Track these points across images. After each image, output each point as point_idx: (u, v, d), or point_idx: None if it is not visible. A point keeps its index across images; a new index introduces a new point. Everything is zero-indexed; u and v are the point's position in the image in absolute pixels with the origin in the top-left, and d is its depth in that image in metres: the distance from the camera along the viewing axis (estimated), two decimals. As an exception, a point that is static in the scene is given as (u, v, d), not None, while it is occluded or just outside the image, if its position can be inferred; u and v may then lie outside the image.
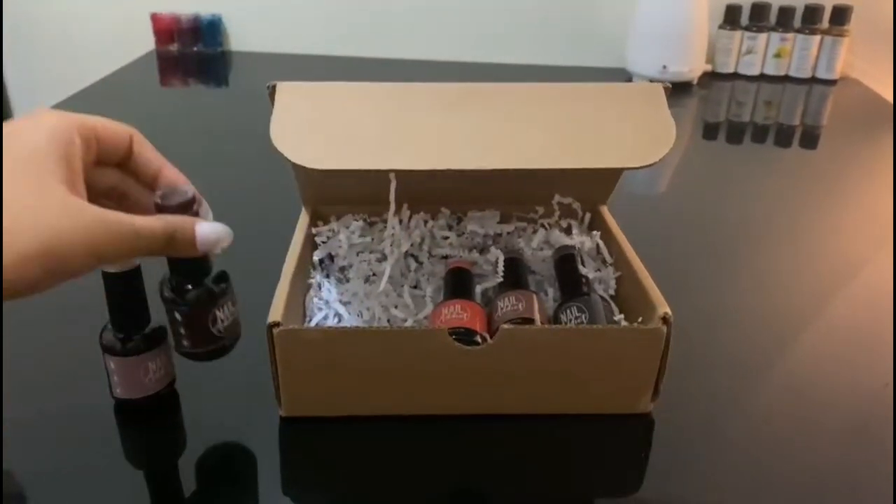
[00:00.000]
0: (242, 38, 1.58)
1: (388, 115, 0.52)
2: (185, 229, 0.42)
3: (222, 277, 0.51)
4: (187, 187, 0.47)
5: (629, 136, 0.52)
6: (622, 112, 0.53)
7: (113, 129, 0.43)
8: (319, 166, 0.48)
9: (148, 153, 0.46)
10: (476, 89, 0.54)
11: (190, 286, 0.49)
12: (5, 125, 0.39)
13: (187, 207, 0.46)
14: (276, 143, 0.48)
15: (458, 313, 0.54)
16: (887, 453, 0.54)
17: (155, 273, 0.53)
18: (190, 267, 0.49)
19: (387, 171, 0.55)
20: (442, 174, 0.49)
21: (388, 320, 0.58)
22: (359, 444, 0.54)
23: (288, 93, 0.52)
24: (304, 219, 0.64)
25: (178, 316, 0.50)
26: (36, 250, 0.35)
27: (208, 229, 0.43)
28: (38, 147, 0.38)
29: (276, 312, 0.50)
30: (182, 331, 0.50)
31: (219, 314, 0.50)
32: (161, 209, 0.45)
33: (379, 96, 0.53)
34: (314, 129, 0.50)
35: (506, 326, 0.52)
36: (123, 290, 0.51)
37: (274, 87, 0.52)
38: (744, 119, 1.38)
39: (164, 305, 0.50)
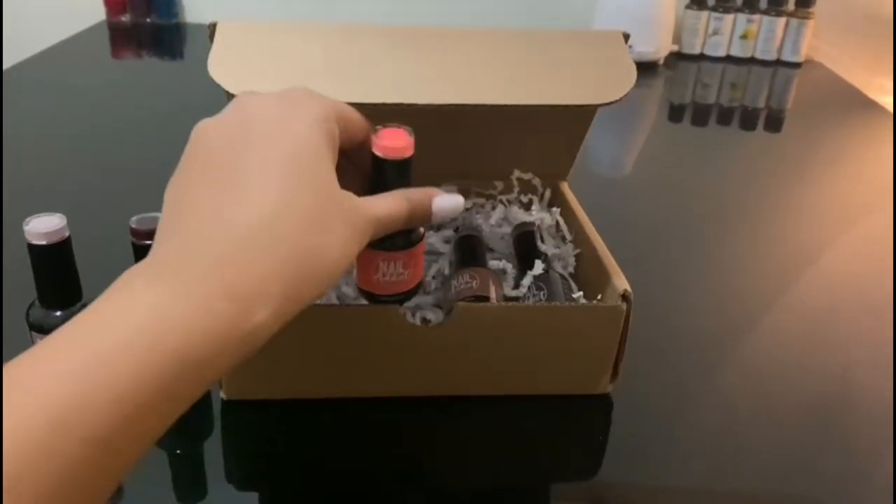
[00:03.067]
0: (198, 9, 1.53)
1: (335, 52, 0.49)
2: (423, 206, 0.40)
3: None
4: None
5: (590, 75, 0.51)
6: (582, 53, 0.53)
7: (358, 121, 0.40)
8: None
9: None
10: (435, 32, 0.52)
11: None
12: (252, 99, 0.35)
13: None
14: (214, 74, 0.45)
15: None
16: (847, 436, 0.54)
17: (85, 244, 0.50)
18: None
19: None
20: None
21: (338, 297, 0.55)
22: (305, 429, 0.52)
23: (229, 30, 0.49)
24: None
25: None
26: (330, 272, 0.34)
27: (444, 202, 0.41)
28: (307, 139, 0.34)
29: (216, 288, 0.47)
30: None
31: None
32: (135, 234, 0.47)
33: (326, 34, 0.51)
34: (257, 64, 0.48)
35: (460, 304, 0.49)
36: (52, 263, 0.48)
37: (214, 26, 0.49)
38: (709, 101, 1.38)
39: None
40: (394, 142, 0.40)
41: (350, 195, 0.35)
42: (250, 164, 0.32)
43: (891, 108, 1.29)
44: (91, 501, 0.26)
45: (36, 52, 1.27)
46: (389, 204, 0.38)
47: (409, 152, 0.40)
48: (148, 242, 0.48)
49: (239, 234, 0.31)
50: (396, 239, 0.42)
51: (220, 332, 0.29)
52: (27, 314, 0.49)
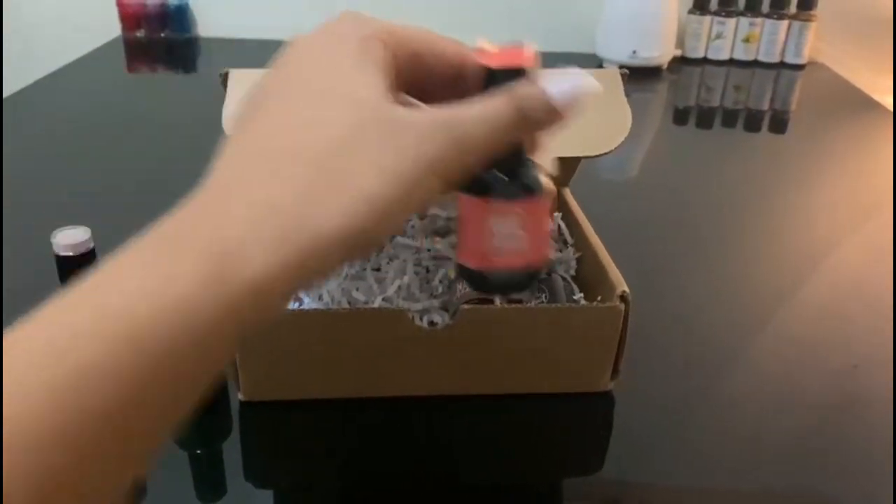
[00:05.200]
0: (211, 23, 1.56)
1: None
2: (531, 95, 0.29)
3: None
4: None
5: (585, 123, 0.52)
6: None
7: (441, 49, 0.31)
8: None
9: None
10: None
11: None
12: (293, 42, 0.30)
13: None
14: (229, 131, 0.48)
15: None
16: (855, 433, 0.55)
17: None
18: None
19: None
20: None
21: (349, 302, 0.57)
22: (321, 428, 0.54)
23: (241, 81, 0.51)
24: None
25: None
26: (369, 194, 0.25)
27: (561, 82, 0.29)
28: (329, 63, 0.28)
29: (232, 295, 0.49)
30: None
31: None
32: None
33: None
34: None
35: (464, 306, 0.52)
36: (79, 274, 0.50)
37: (226, 75, 0.51)
38: (713, 104, 1.39)
39: None
40: (510, 53, 0.31)
41: (403, 109, 0.27)
42: (257, 102, 0.28)
43: (892, 107, 1.30)
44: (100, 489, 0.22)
45: (54, 69, 1.30)
46: (481, 104, 0.28)
47: (529, 63, 0.31)
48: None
49: (217, 182, 0.25)
50: (511, 185, 0.32)
51: (195, 297, 0.22)
52: (55, 322, 0.52)
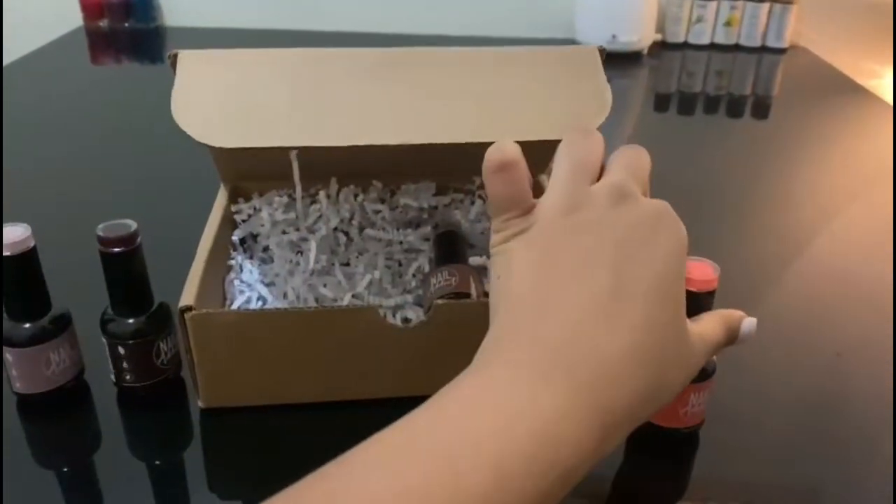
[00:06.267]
0: (177, 12, 1.51)
1: (302, 85, 0.48)
2: (734, 329, 0.38)
3: (163, 309, 0.50)
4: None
5: (562, 104, 0.49)
6: (555, 78, 0.50)
7: None
8: (226, 144, 0.44)
9: None
10: (396, 55, 0.50)
11: (132, 319, 0.49)
12: (638, 204, 0.35)
13: (130, 241, 0.46)
14: (179, 118, 0.45)
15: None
16: (839, 424, 0.53)
17: (54, 256, 0.49)
18: (132, 299, 0.49)
19: (308, 146, 0.51)
20: (370, 145, 0.45)
21: (316, 300, 0.54)
22: (288, 435, 0.51)
23: (191, 62, 0.48)
24: (221, 197, 0.60)
25: (121, 350, 0.49)
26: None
27: (750, 325, 0.39)
28: (672, 268, 0.34)
29: (188, 296, 0.46)
30: (125, 365, 0.50)
31: (162, 346, 0.50)
32: (102, 242, 0.46)
33: (292, 64, 0.49)
34: (221, 102, 0.46)
35: (439, 301, 0.49)
36: (18, 275, 0.47)
37: (175, 56, 0.48)
38: (695, 89, 1.37)
39: (105, 340, 0.49)
40: (701, 275, 0.44)
41: (689, 331, 0.34)
42: (628, 276, 0.32)
43: (875, 91, 1.29)
44: None
45: (10, 60, 1.26)
46: (716, 331, 0.37)
47: (715, 284, 0.44)
48: (116, 250, 0.47)
49: (611, 359, 0.31)
50: (702, 370, 0.45)
51: (588, 452, 0.29)
52: (-5, 328, 0.48)
